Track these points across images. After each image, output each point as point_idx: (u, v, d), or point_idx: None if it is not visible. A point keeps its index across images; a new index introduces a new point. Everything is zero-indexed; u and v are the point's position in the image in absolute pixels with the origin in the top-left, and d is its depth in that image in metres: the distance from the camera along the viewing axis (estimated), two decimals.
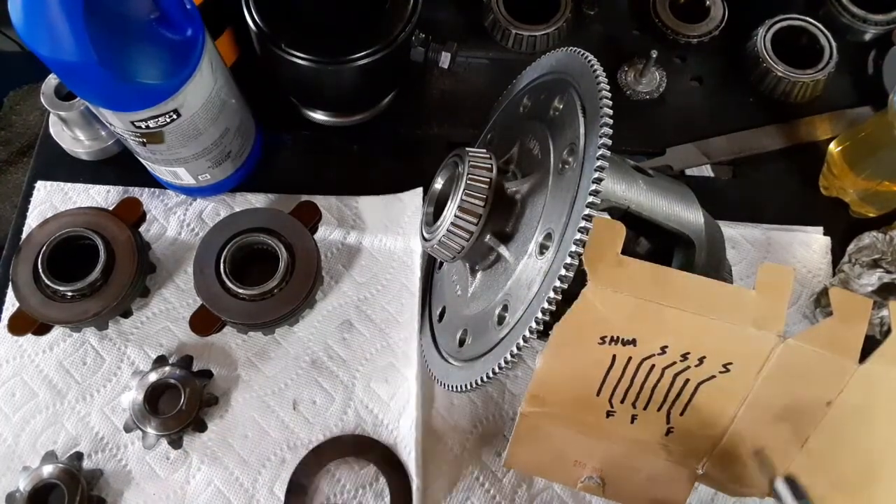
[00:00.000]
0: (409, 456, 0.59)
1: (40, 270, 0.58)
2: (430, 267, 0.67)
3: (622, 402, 0.47)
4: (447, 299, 0.58)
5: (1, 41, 1.50)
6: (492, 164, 0.49)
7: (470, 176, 0.48)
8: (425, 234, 0.52)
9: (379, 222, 0.69)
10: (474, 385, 0.47)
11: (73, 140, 0.69)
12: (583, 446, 0.51)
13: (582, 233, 0.40)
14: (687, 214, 0.52)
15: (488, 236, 0.49)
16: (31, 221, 0.67)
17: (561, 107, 0.50)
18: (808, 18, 0.75)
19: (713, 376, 0.44)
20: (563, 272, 0.40)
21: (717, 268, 0.52)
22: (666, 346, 0.44)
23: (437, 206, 0.54)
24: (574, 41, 0.78)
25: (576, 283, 0.41)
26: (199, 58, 0.52)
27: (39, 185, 0.69)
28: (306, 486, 0.59)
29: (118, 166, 0.70)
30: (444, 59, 0.64)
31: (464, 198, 0.48)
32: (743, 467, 0.48)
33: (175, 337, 0.63)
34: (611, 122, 0.42)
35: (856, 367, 0.43)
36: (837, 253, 0.68)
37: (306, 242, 0.60)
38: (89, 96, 0.53)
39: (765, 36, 0.74)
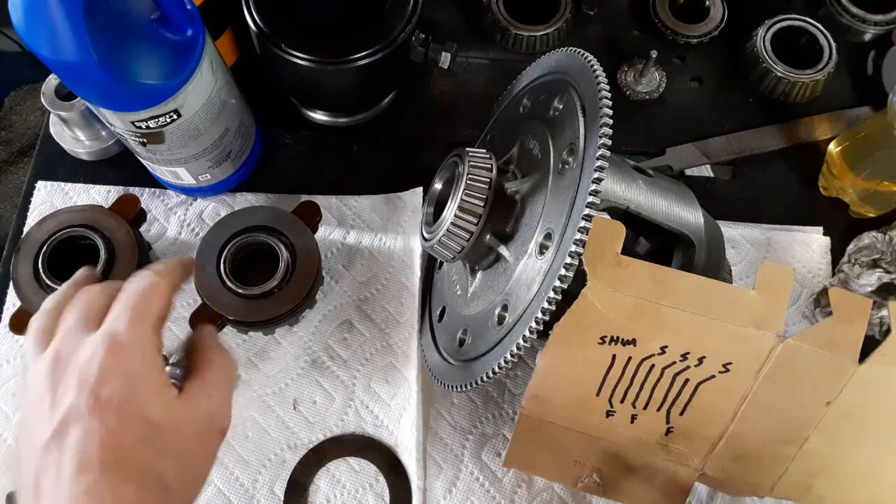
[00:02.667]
0: (410, 456, 0.59)
1: (41, 269, 0.58)
2: (430, 267, 0.67)
3: (622, 401, 0.47)
4: (447, 299, 0.58)
5: (1, 41, 1.50)
6: (492, 164, 0.49)
7: (470, 176, 0.48)
8: (425, 234, 0.52)
9: (379, 222, 0.69)
10: (474, 385, 0.47)
11: (74, 140, 0.70)
12: (583, 446, 0.51)
13: (582, 233, 0.40)
14: (687, 214, 0.52)
15: (488, 236, 0.49)
16: (32, 221, 0.67)
17: (561, 107, 0.50)
18: (807, 18, 0.75)
19: (713, 376, 0.44)
20: (563, 272, 0.40)
21: (716, 268, 0.53)
22: (666, 346, 0.44)
23: (437, 206, 0.54)
24: (574, 41, 0.78)
25: (576, 283, 0.41)
26: (199, 58, 0.52)
27: (40, 185, 0.69)
28: (306, 486, 0.59)
29: (118, 166, 0.70)
30: (444, 59, 0.64)
31: (464, 198, 0.48)
32: (742, 467, 0.48)
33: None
34: (610, 122, 0.42)
35: (855, 367, 0.43)
36: (837, 253, 0.68)
37: (307, 242, 0.60)
38: (90, 96, 0.53)
39: (764, 36, 0.74)
